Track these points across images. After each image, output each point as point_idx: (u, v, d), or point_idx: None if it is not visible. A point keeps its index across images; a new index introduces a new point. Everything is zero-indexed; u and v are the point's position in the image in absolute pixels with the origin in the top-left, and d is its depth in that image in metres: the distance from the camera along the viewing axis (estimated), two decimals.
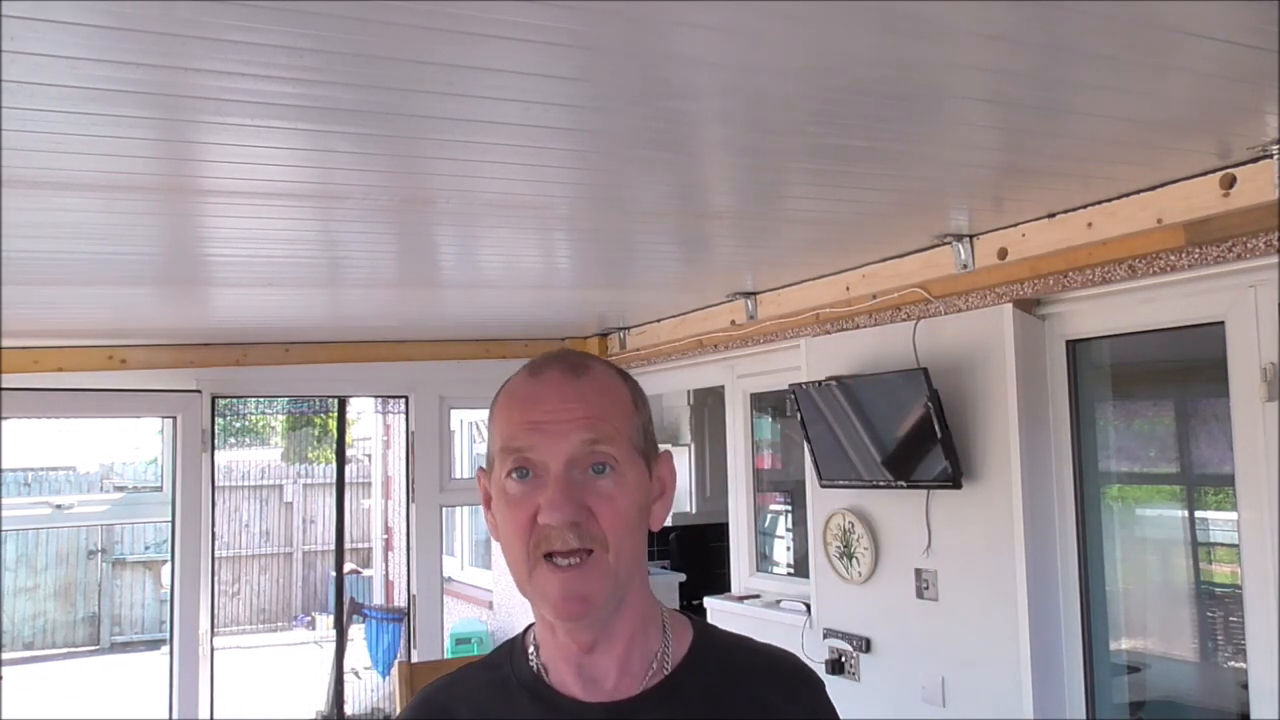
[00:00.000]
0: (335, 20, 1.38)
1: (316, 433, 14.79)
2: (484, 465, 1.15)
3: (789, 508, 4.64)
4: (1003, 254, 2.84)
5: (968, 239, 2.92)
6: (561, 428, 1.04)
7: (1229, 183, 2.25)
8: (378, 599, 10.66)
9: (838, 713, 1.19)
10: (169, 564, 4.67)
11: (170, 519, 4.55)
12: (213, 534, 4.60)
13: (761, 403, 4.61)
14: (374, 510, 11.68)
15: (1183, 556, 3.11)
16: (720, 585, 4.99)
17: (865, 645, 3.59)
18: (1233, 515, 2.63)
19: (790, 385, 3.71)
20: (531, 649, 1.14)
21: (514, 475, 1.05)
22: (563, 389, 1.07)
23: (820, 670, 3.70)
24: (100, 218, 2.43)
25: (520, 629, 1.18)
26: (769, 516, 4.72)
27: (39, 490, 11.19)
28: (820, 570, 3.80)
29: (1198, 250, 2.49)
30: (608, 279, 3.75)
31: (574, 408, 1.06)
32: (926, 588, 3.34)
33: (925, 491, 3.28)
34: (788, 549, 4.64)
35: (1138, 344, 2.97)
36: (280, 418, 15.15)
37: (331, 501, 12.56)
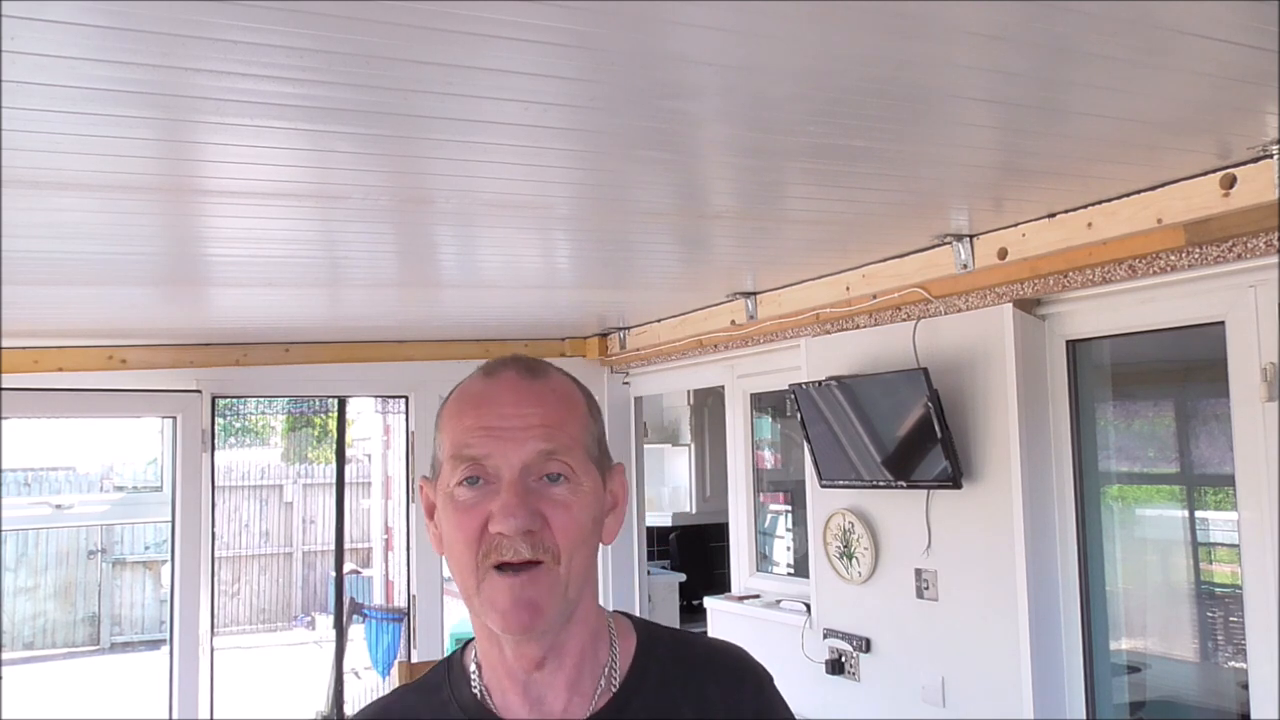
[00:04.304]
0: (335, 20, 1.38)
1: (316, 433, 14.80)
2: (427, 474, 1.09)
3: (789, 508, 4.64)
4: (1003, 254, 2.84)
5: (968, 239, 2.92)
6: (517, 435, 1.01)
7: (1229, 183, 2.25)
8: (378, 599, 10.66)
9: (788, 707, 1.16)
10: (169, 564, 4.66)
11: (170, 519, 4.55)
12: (213, 534, 4.60)
13: (761, 403, 4.61)
14: (374, 510, 11.69)
15: (1183, 556, 3.11)
16: (720, 585, 4.99)
17: (865, 645, 3.59)
18: (1233, 515, 2.63)
19: (790, 385, 3.71)
20: (473, 669, 1.09)
21: (465, 482, 1.01)
22: (518, 392, 1.04)
23: (820, 670, 3.71)
24: (100, 218, 2.43)
25: None
26: (769, 516, 4.72)
27: (39, 490, 11.19)
28: (820, 570, 3.80)
29: (1198, 250, 2.50)
30: (608, 279, 3.75)
31: (530, 413, 1.02)
32: (926, 588, 3.34)
33: (925, 491, 3.28)
34: (788, 549, 4.64)
35: (1138, 344, 2.97)
36: (280, 418, 15.15)
37: (331, 501, 12.56)
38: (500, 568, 0.99)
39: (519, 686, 1.05)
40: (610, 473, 1.10)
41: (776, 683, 1.18)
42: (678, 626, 1.19)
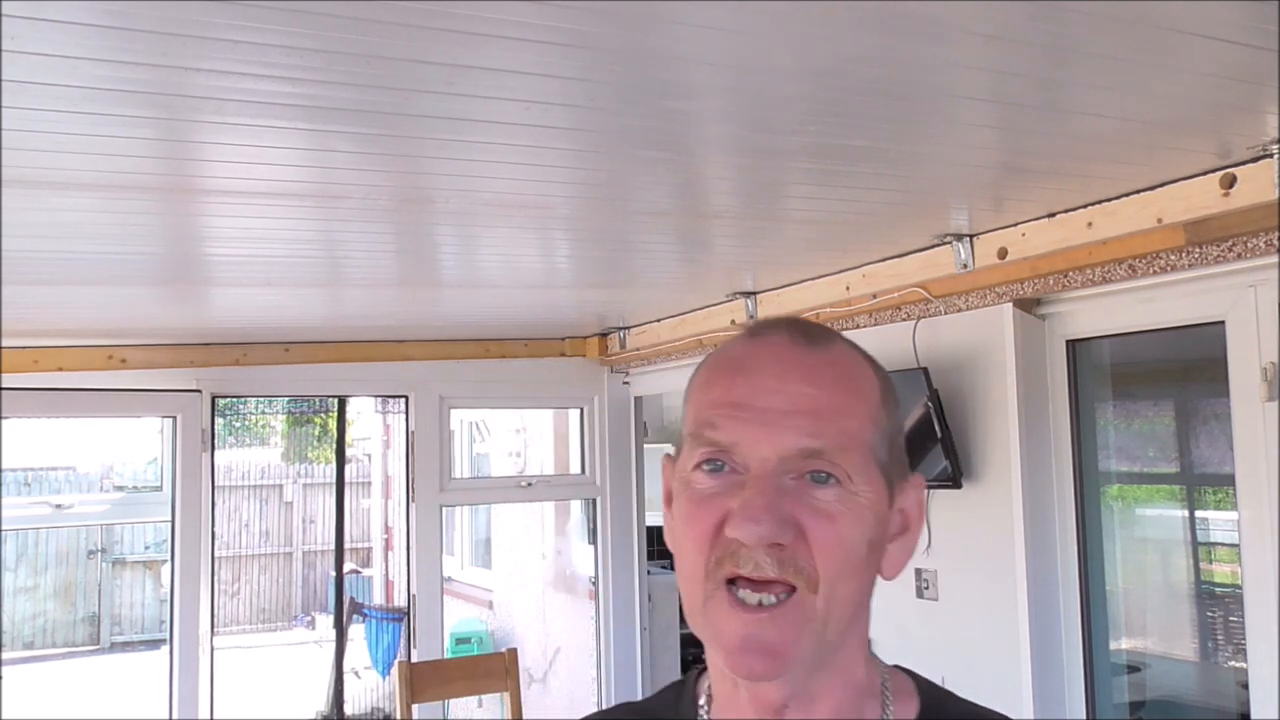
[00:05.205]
0: (335, 20, 1.38)
1: (316, 433, 14.80)
2: (671, 452, 0.88)
3: None
4: (1003, 254, 2.84)
5: (968, 239, 2.92)
6: (775, 420, 0.77)
7: (1229, 182, 2.25)
8: (378, 599, 10.67)
9: None
10: (169, 564, 4.67)
11: (170, 519, 4.55)
12: (213, 534, 4.60)
13: None
14: (374, 510, 11.69)
15: (1183, 556, 3.11)
16: None
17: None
18: (1233, 515, 2.63)
19: None
20: (703, 701, 0.89)
21: (704, 466, 0.80)
22: (786, 363, 0.80)
23: None
24: (100, 218, 2.43)
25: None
26: None
27: (39, 490, 11.20)
28: None
29: (1198, 250, 2.49)
30: (608, 279, 3.75)
31: (797, 393, 0.78)
32: (926, 587, 3.34)
33: (925, 491, 3.28)
34: None
35: (1138, 344, 2.97)
36: (280, 418, 15.15)
37: (331, 501, 12.56)
38: (734, 583, 0.77)
39: None
40: (903, 486, 0.86)
41: None
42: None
